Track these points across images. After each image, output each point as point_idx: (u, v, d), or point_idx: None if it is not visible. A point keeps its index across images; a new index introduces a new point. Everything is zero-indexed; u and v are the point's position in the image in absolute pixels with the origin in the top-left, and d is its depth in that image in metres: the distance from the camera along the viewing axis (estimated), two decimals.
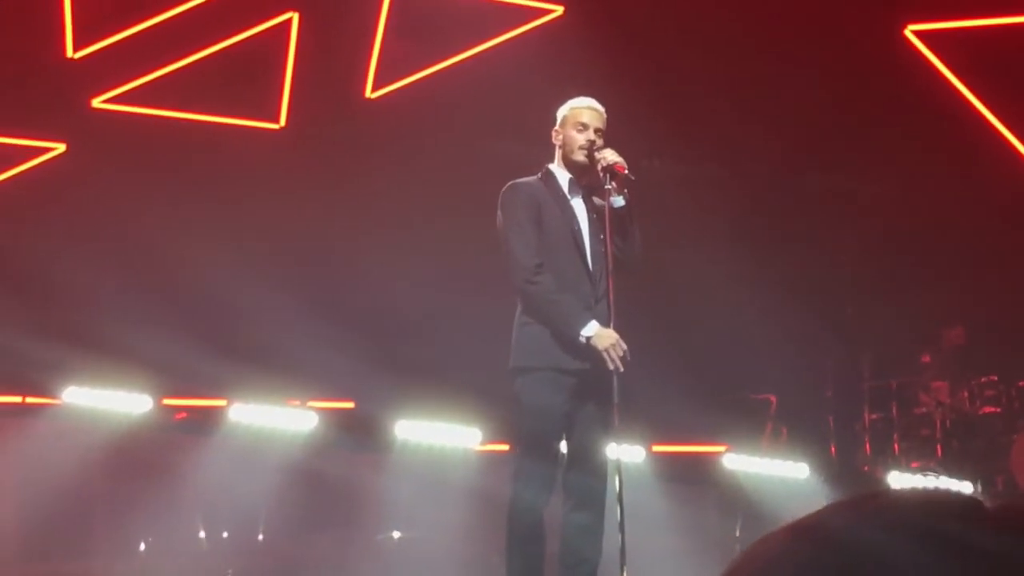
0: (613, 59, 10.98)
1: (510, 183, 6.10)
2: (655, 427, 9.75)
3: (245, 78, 11.28)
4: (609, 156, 6.00)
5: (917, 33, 11.56)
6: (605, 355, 5.81)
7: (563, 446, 6.13)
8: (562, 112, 6.23)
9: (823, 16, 11.19)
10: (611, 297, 5.90)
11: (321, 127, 11.44)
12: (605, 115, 6.18)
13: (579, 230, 6.07)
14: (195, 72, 11.12)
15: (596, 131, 6.12)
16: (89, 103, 10.99)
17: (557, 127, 6.22)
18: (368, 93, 11.51)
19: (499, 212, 6.10)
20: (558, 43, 11.11)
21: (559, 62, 10.38)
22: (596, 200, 6.11)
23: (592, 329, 5.87)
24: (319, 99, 11.45)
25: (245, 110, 11.32)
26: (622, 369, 5.80)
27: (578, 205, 6.17)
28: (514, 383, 6.02)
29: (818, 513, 1.71)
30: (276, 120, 11.41)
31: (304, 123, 11.44)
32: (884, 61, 11.38)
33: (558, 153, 6.22)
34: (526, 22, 11.56)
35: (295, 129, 11.43)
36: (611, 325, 5.88)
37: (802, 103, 11.10)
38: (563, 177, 6.19)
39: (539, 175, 6.19)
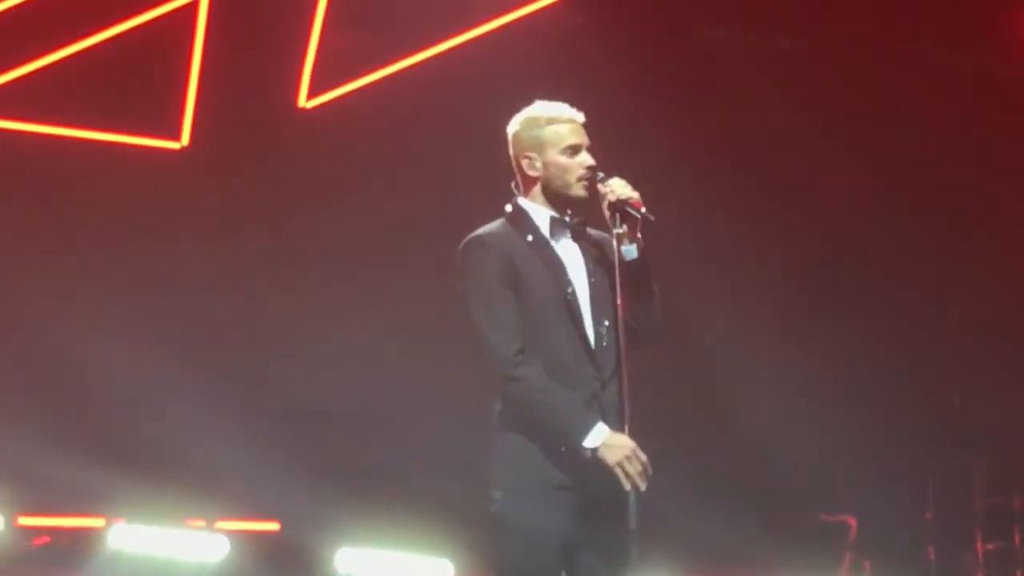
0: (628, 59, 10.57)
1: (470, 237, 5.58)
2: (689, 559, 9.72)
3: (134, 81, 10.49)
4: (619, 188, 5.47)
5: None
6: (618, 471, 5.32)
7: None
8: (530, 131, 5.64)
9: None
10: (623, 383, 5.34)
11: (237, 147, 10.66)
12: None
13: (572, 292, 5.56)
14: (66, 72, 10.31)
15: (588, 150, 5.65)
16: None
17: (528, 151, 5.62)
18: (302, 102, 10.96)
19: (458, 279, 5.59)
20: (550, 37, 10.64)
21: (551, 62, 10.03)
22: (593, 235, 5.62)
23: (599, 437, 5.35)
24: (234, 110, 10.70)
25: (134, 124, 10.54)
26: (642, 488, 5.35)
27: (568, 254, 5.61)
28: (494, 503, 5.52)
29: None
30: (177, 138, 10.73)
31: (214, 142, 10.67)
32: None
33: (536, 187, 5.63)
34: (511, 10, 10.95)
35: (202, 150, 10.65)
36: (625, 423, 5.35)
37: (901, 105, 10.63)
38: (542, 216, 5.62)
39: (506, 217, 5.65)
